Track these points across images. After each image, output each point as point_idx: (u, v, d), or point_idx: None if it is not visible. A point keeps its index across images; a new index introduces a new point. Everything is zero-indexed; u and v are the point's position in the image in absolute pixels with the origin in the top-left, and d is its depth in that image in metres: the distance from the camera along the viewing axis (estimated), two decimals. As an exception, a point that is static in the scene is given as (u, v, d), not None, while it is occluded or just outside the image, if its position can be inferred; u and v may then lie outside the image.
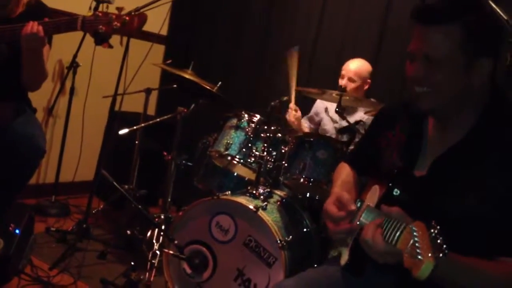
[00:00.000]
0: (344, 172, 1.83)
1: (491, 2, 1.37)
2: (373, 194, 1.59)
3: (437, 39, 1.37)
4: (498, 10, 1.36)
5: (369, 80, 3.36)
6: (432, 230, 1.11)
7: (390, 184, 1.48)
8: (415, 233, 1.13)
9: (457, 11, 1.35)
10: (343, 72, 3.34)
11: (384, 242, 1.28)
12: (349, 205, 1.52)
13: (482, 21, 1.36)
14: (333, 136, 3.38)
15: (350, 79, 3.29)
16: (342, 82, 3.30)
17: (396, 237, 1.23)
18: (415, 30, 1.42)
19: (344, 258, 1.56)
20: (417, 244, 1.09)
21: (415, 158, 1.53)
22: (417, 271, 1.05)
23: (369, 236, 1.31)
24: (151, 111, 4.33)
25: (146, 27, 2.32)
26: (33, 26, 2.24)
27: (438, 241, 1.08)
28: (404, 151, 1.56)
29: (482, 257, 1.30)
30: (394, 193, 1.46)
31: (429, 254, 1.05)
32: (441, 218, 1.29)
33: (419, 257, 1.06)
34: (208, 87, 2.96)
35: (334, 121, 3.43)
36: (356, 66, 3.31)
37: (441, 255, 1.06)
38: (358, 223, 1.47)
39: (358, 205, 1.63)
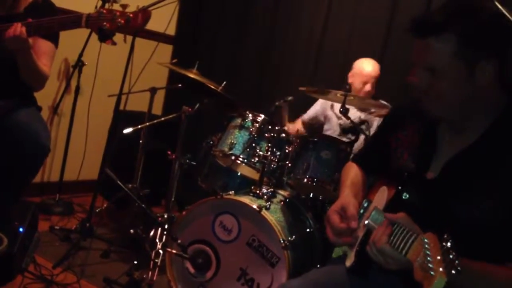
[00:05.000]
0: (353, 172, 1.82)
1: (497, 4, 1.37)
2: (381, 195, 1.58)
3: (435, 50, 1.38)
4: (504, 11, 1.36)
5: None
6: (444, 244, 1.09)
7: (399, 187, 1.47)
8: (426, 245, 1.11)
9: (449, 20, 1.36)
10: (364, 78, 3.33)
11: (390, 247, 1.27)
12: (351, 221, 1.52)
13: (476, 25, 1.35)
14: (336, 132, 3.39)
15: (372, 84, 3.33)
16: (368, 88, 3.32)
17: (407, 247, 1.22)
18: (415, 41, 1.44)
19: (350, 259, 1.56)
20: (428, 258, 1.08)
21: (428, 160, 1.51)
22: (429, 286, 1.04)
23: (377, 238, 1.31)
24: (156, 110, 4.33)
25: (153, 27, 2.33)
26: (16, 28, 2.22)
27: (451, 256, 1.06)
28: (417, 153, 1.55)
29: (490, 261, 1.29)
30: (403, 197, 1.45)
31: (441, 269, 1.04)
32: (450, 222, 1.29)
33: (431, 272, 1.05)
34: (213, 87, 2.96)
35: (338, 117, 3.43)
36: (373, 69, 3.34)
37: (453, 271, 1.03)
38: (366, 222, 1.46)
39: (365, 205, 1.63)
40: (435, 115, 1.48)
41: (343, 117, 3.32)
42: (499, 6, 1.37)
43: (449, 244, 1.08)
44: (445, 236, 1.10)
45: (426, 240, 1.12)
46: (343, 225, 1.54)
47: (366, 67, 3.34)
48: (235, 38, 4.28)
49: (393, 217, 1.33)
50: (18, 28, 2.23)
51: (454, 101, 1.41)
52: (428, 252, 1.09)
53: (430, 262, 1.07)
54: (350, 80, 3.40)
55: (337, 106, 3.42)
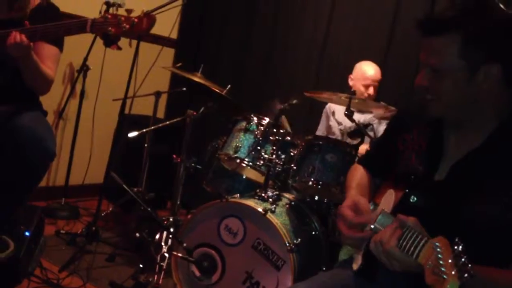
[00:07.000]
0: (359, 174, 1.82)
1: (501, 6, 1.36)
2: (388, 199, 1.57)
3: (438, 49, 1.38)
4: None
5: None
6: (455, 247, 1.08)
7: (407, 190, 1.46)
8: (438, 249, 1.11)
9: (455, 21, 1.36)
10: (367, 81, 3.33)
11: (400, 250, 1.27)
12: (366, 215, 1.52)
13: (482, 28, 1.35)
14: (338, 137, 3.39)
15: (375, 87, 3.33)
16: (371, 91, 3.32)
17: (417, 250, 1.22)
18: (422, 41, 1.44)
19: (357, 262, 1.55)
20: (440, 262, 1.07)
21: (436, 163, 1.50)
22: None
23: (385, 239, 1.30)
24: (160, 114, 4.35)
25: (156, 31, 2.33)
26: (16, 36, 2.22)
27: (463, 259, 1.05)
28: (425, 156, 1.54)
29: (498, 263, 1.28)
30: (411, 200, 1.45)
31: (453, 273, 1.04)
32: (459, 224, 1.28)
33: (444, 276, 1.04)
34: (217, 90, 2.96)
35: (339, 123, 3.44)
36: (376, 72, 3.34)
37: (466, 275, 1.03)
38: (372, 226, 1.45)
39: (372, 208, 1.62)
40: (435, 115, 1.48)
41: (343, 123, 3.34)
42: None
43: (460, 248, 1.07)
44: (456, 240, 1.10)
45: (437, 244, 1.12)
46: (359, 218, 1.53)
47: (368, 71, 3.34)
48: (239, 41, 4.29)
49: (404, 219, 1.33)
50: (18, 36, 2.23)
51: (454, 102, 1.41)
52: (439, 256, 1.09)
53: (442, 265, 1.06)
54: (351, 83, 3.41)
55: (338, 113, 3.43)
